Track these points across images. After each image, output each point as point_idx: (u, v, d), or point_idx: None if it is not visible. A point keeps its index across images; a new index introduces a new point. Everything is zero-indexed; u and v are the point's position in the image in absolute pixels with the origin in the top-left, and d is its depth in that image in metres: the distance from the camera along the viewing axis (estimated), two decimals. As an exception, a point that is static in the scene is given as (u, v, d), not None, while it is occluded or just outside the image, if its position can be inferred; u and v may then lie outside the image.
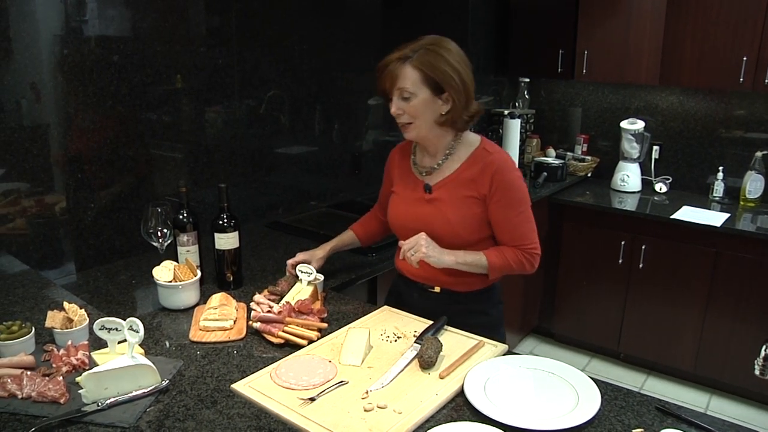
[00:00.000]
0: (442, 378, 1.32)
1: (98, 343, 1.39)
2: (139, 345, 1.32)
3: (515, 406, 1.22)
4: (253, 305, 1.60)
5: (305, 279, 1.72)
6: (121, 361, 1.23)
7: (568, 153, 3.89)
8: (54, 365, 1.30)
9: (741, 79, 2.99)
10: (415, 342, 1.46)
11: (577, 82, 3.82)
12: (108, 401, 1.19)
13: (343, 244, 1.92)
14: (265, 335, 1.50)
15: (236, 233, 1.81)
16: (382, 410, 1.20)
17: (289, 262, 1.80)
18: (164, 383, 1.26)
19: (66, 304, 1.45)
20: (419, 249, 1.53)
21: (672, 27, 3.16)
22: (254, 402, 1.24)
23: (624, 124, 3.49)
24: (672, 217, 3.06)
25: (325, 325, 1.55)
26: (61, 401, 1.19)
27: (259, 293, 1.68)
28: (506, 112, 3.74)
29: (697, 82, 3.18)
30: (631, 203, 3.33)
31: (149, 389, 1.24)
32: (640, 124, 3.45)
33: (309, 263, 1.77)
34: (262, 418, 1.19)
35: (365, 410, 1.20)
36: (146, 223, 1.80)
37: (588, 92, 3.87)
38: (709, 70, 3.09)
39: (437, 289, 1.72)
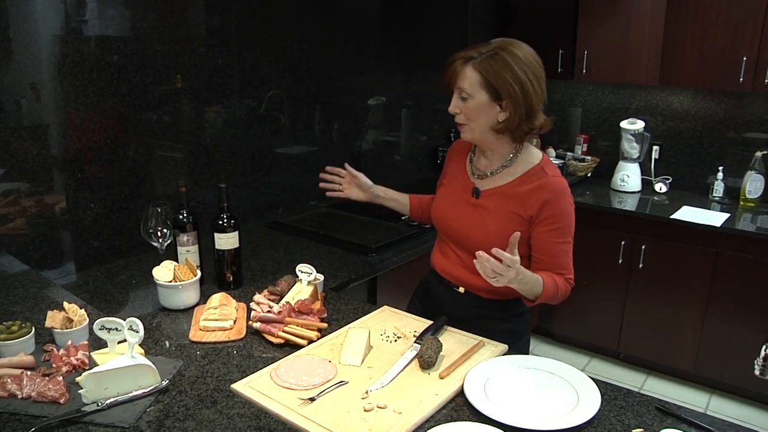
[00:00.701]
0: (442, 378, 1.32)
1: (98, 343, 1.39)
2: (139, 345, 1.32)
3: (515, 406, 1.22)
4: (253, 305, 1.60)
5: (305, 279, 1.72)
6: (121, 361, 1.23)
7: (568, 153, 3.89)
8: (54, 365, 1.30)
9: (741, 79, 2.99)
10: (415, 342, 1.46)
11: (577, 82, 3.82)
12: (108, 401, 1.19)
13: (394, 199, 1.91)
14: (265, 335, 1.50)
15: (236, 233, 1.81)
16: (382, 410, 1.20)
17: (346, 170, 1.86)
18: (164, 383, 1.27)
19: (66, 304, 1.45)
20: (509, 276, 1.38)
21: (672, 27, 3.16)
22: (254, 402, 1.24)
23: (624, 124, 3.49)
24: (672, 217, 3.06)
25: (325, 325, 1.55)
26: (61, 401, 1.19)
27: (259, 293, 1.68)
28: (506, 112, 3.73)
29: (697, 82, 3.18)
30: (631, 203, 3.33)
31: (149, 389, 1.24)
32: (640, 124, 3.45)
33: (362, 185, 1.84)
34: (262, 418, 1.19)
35: (365, 410, 1.20)
36: (146, 223, 1.80)
37: (588, 92, 3.87)
38: (709, 70, 3.09)
39: (461, 290, 1.70)
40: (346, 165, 1.86)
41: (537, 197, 1.54)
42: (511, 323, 1.69)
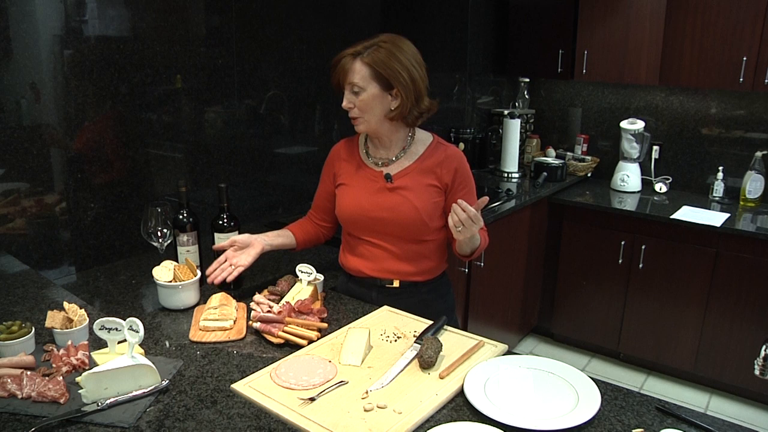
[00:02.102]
0: (441, 378, 1.32)
1: (98, 343, 1.39)
2: (139, 345, 1.32)
3: (515, 406, 1.22)
4: (253, 305, 1.60)
5: (305, 279, 1.72)
6: (121, 361, 1.23)
7: (568, 153, 3.89)
8: (54, 365, 1.30)
9: (741, 79, 2.99)
10: (415, 342, 1.46)
11: (577, 82, 3.82)
12: (108, 401, 1.19)
13: (279, 243, 1.80)
14: (265, 335, 1.50)
15: (236, 233, 1.81)
16: (382, 410, 1.20)
17: (220, 245, 1.70)
18: (164, 383, 1.26)
19: (66, 304, 1.44)
20: (479, 225, 1.52)
21: (672, 27, 3.16)
22: (254, 402, 1.24)
23: (624, 124, 3.49)
24: (672, 217, 3.06)
25: (325, 325, 1.55)
26: (61, 401, 1.19)
27: (259, 293, 1.68)
28: (506, 112, 3.74)
29: (697, 82, 3.18)
30: (631, 203, 3.33)
31: (149, 389, 1.24)
32: (640, 124, 3.45)
33: (244, 244, 1.70)
34: (262, 418, 1.19)
35: (365, 410, 1.20)
36: (146, 223, 1.80)
37: (588, 92, 3.87)
38: (709, 70, 3.10)
39: (396, 284, 1.76)
40: (215, 248, 1.74)
41: (447, 167, 1.70)
42: (446, 301, 1.84)
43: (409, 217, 1.67)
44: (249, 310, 1.62)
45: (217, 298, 1.62)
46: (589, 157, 3.82)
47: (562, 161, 3.66)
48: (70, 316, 1.42)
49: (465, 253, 1.72)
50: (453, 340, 1.50)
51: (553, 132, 4.07)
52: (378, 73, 1.58)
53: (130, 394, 1.22)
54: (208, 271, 1.69)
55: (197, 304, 1.70)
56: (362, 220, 1.73)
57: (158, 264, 1.69)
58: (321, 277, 1.80)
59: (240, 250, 1.72)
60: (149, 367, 1.25)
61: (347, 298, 1.81)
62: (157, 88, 2.14)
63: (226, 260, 1.69)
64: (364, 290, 1.80)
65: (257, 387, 1.28)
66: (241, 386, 1.28)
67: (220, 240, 1.79)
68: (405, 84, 1.59)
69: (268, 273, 2.00)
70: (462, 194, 1.69)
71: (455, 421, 1.19)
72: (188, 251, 1.80)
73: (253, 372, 1.34)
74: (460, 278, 2.82)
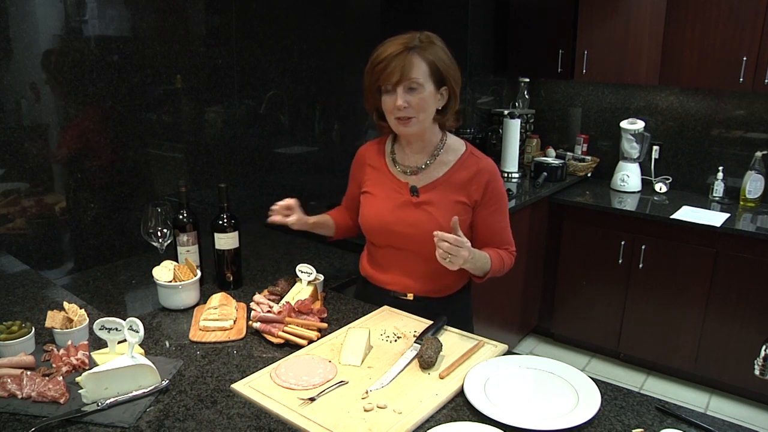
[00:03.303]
0: (442, 378, 1.32)
1: (98, 343, 1.39)
2: (139, 345, 1.32)
3: (515, 406, 1.22)
4: (253, 305, 1.60)
5: (305, 279, 1.72)
6: (121, 361, 1.23)
7: (568, 153, 3.89)
8: (54, 365, 1.30)
9: (741, 79, 2.99)
10: (415, 342, 1.45)
11: (577, 82, 3.82)
12: (108, 401, 1.19)
13: (321, 226, 1.77)
14: (265, 335, 1.50)
15: (236, 233, 1.81)
16: (382, 410, 1.20)
17: (280, 204, 1.64)
18: (164, 383, 1.26)
19: (66, 304, 1.45)
20: (462, 256, 1.41)
21: (672, 27, 3.16)
22: (254, 402, 1.24)
23: (624, 124, 3.49)
24: (672, 217, 3.06)
25: (325, 325, 1.55)
26: (61, 401, 1.19)
27: (259, 293, 1.68)
28: (506, 112, 3.74)
29: (697, 82, 3.18)
30: (631, 203, 3.33)
31: (149, 389, 1.24)
32: (640, 124, 3.45)
33: (293, 209, 1.66)
34: (262, 418, 1.19)
35: (365, 410, 1.20)
36: (146, 223, 1.80)
37: (588, 92, 3.87)
38: (709, 70, 3.09)
39: (410, 296, 1.69)
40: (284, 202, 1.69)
41: (479, 181, 1.58)
42: (460, 317, 1.71)
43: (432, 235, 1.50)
44: (249, 310, 1.62)
45: (217, 298, 1.62)
46: (589, 157, 3.81)
47: (562, 161, 3.66)
48: (70, 316, 1.42)
49: (478, 275, 1.61)
50: (453, 340, 1.50)
51: (553, 132, 4.07)
52: (436, 69, 1.49)
53: (130, 394, 1.22)
54: (272, 208, 1.65)
55: (197, 304, 1.70)
56: (383, 233, 1.65)
57: (158, 264, 1.69)
58: (321, 277, 1.80)
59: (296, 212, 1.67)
60: (149, 367, 1.25)
61: (347, 298, 1.81)
62: (156, 88, 2.14)
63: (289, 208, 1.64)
64: (378, 298, 1.74)
65: (257, 387, 1.28)
66: (241, 386, 1.28)
67: (221, 240, 1.79)
68: (456, 80, 1.53)
69: (268, 273, 2.00)
70: (490, 211, 1.60)
71: (455, 421, 1.19)
72: (188, 251, 1.80)
73: (253, 372, 1.34)
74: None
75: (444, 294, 1.70)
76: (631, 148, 3.50)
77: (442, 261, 1.43)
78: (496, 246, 1.65)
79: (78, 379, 1.23)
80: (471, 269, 1.55)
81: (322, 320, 1.58)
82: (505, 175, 3.63)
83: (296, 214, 1.68)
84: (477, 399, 1.23)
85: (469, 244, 1.44)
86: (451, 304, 1.72)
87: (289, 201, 1.67)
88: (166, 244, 1.82)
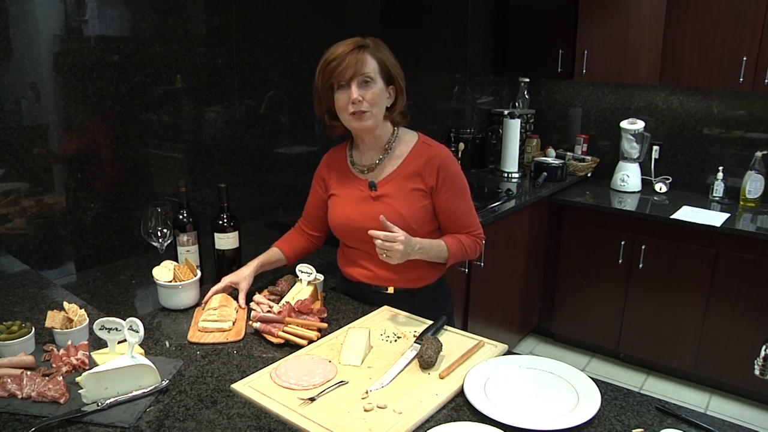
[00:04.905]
0: (442, 378, 1.32)
1: (98, 343, 1.39)
2: (139, 345, 1.32)
3: (515, 406, 1.22)
4: (253, 305, 1.60)
5: (305, 279, 1.72)
6: (121, 361, 1.23)
7: (568, 153, 3.89)
8: (54, 365, 1.30)
9: (741, 79, 2.99)
10: (415, 342, 1.46)
11: (577, 82, 3.82)
12: (108, 401, 1.19)
13: (269, 262, 1.80)
14: (265, 335, 1.50)
15: (236, 233, 1.81)
16: (382, 410, 1.20)
17: (216, 288, 1.67)
18: (164, 383, 1.26)
19: (66, 304, 1.44)
20: (397, 249, 1.51)
21: (672, 27, 3.16)
22: (254, 402, 1.24)
23: (624, 124, 3.49)
24: (672, 217, 3.06)
25: (325, 325, 1.55)
26: (61, 401, 1.19)
27: (259, 293, 1.68)
28: (506, 112, 3.74)
29: (697, 82, 3.18)
30: (631, 203, 3.33)
31: (149, 389, 1.24)
32: (640, 124, 3.45)
33: (237, 284, 1.69)
34: (262, 418, 1.19)
35: (365, 410, 1.20)
36: (146, 223, 1.80)
37: (588, 92, 3.87)
38: (709, 70, 3.10)
39: (390, 290, 1.74)
40: (213, 290, 1.68)
41: (431, 168, 1.65)
42: (443, 309, 1.78)
43: (396, 225, 1.57)
44: (249, 310, 1.62)
45: (217, 299, 1.62)
46: (589, 157, 3.81)
47: (562, 161, 3.66)
48: (70, 316, 1.42)
49: (440, 262, 1.69)
50: (453, 340, 1.50)
51: (553, 132, 4.07)
52: (385, 66, 1.59)
53: (130, 394, 1.22)
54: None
55: (197, 304, 1.70)
56: (350, 230, 1.71)
57: (158, 264, 1.69)
58: (321, 277, 1.80)
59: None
60: (149, 367, 1.25)
61: (347, 298, 1.81)
62: (156, 88, 2.14)
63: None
64: (360, 295, 1.78)
65: (257, 387, 1.28)
66: (241, 386, 1.28)
67: (221, 240, 1.79)
68: (402, 81, 1.63)
69: (268, 273, 1.99)
70: (447, 196, 1.66)
71: (455, 421, 1.19)
72: (188, 251, 1.80)
73: (253, 372, 1.34)
74: (460, 278, 2.82)
75: (423, 283, 1.75)
76: (631, 148, 3.50)
77: (381, 256, 1.53)
78: (460, 230, 1.70)
79: (78, 379, 1.23)
80: (427, 258, 1.64)
81: (322, 320, 1.58)
82: (505, 175, 3.64)
83: (241, 289, 1.69)
84: (477, 399, 1.23)
85: (403, 237, 1.52)
86: (433, 295, 1.78)
87: (221, 286, 1.68)
88: (166, 244, 1.82)
